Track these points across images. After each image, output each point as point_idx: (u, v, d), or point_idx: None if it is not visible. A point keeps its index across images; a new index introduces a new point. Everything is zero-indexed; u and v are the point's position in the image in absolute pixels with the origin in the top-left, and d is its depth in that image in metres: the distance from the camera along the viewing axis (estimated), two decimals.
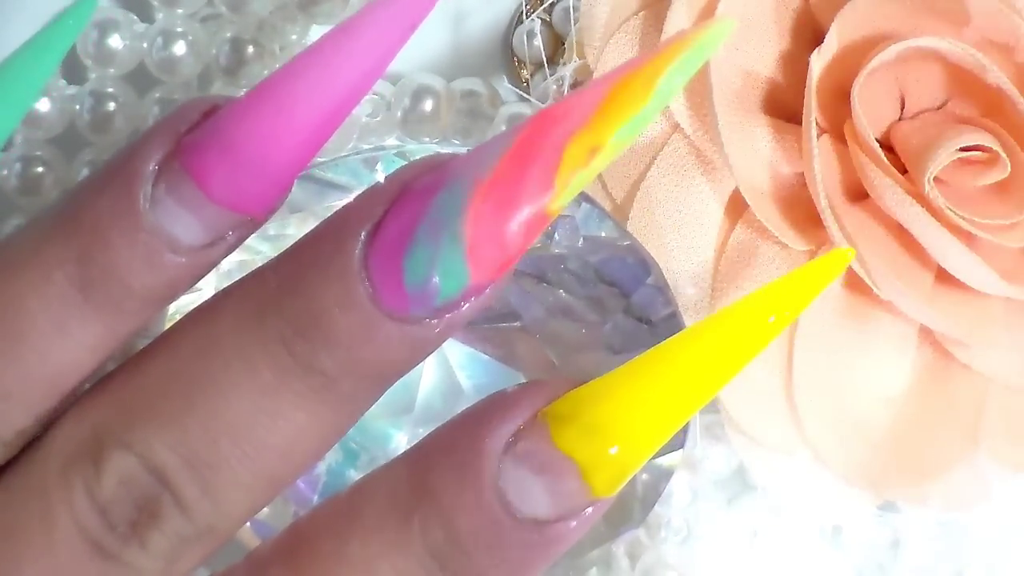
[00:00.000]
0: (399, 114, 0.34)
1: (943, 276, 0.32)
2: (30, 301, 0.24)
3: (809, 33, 0.33)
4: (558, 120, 0.23)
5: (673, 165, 0.33)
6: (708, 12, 0.32)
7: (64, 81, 0.35)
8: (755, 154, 0.32)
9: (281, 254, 0.24)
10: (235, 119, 0.24)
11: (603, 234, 0.31)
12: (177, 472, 0.23)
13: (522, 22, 0.35)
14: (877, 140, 0.32)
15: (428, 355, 0.24)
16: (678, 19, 0.33)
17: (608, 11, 0.34)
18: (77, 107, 0.34)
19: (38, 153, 0.34)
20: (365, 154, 0.30)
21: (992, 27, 0.32)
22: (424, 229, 0.23)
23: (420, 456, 0.24)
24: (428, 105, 0.34)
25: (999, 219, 0.32)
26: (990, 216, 0.32)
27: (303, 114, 0.23)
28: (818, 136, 0.32)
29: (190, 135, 0.24)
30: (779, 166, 0.32)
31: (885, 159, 0.31)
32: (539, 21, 0.34)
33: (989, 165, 0.32)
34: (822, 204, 0.31)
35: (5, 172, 0.34)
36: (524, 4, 0.35)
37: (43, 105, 0.34)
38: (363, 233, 0.23)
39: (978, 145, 0.32)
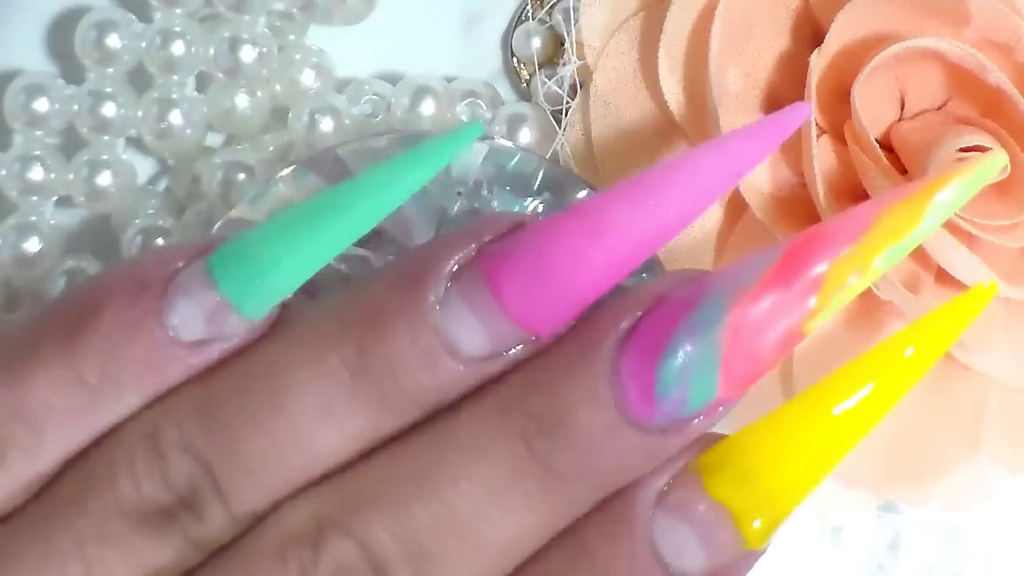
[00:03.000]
0: (399, 114, 0.34)
1: (943, 276, 0.32)
2: (300, 376, 0.24)
3: (809, 33, 0.33)
4: (825, 240, 0.23)
5: None
6: (708, 12, 0.32)
7: (63, 81, 0.35)
8: None
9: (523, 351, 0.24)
10: (544, 235, 0.24)
11: None
12: (396, 561, 0.23)
13: (522, 22, 0.35)
14: (877, 140, 0.32)
15: (652, 468, 0.24)
16: (678, 19, 0.33)
17: (608, 11, 0.34)
18: (76, 107, 0.34)
19: (37, 153, 0.34)
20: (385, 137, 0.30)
21: (992, 27, 0.32)
22: (681, 339, 0.23)
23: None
24: (428, 105, 0.34)
25: (999, 219, 0.32)
26: (990, 216, 0.31)
27: (616, 241, 0.23)
28: (818, 136, 0.32)
29: (494, 244, 0.24)
30: (779, 166, 0.32)
31: (885, 159, 0.31)
32: (539, 22, 0.34)
33: None
34: (822, 204, 0.31)
35: (4, 172, 0.34)
36: (524, 4, 0.35)
37: (42, 105, 0.34)
38: (615, 337, 0.23)
39: (978, 145, 0.32)
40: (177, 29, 0.34)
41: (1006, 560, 0.35)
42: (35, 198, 0.34)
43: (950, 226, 0.31)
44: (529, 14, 0.34)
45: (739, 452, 0.24)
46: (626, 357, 0.23)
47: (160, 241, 0.34)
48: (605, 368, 0.23)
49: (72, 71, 0.35)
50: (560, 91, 0.34)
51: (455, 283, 0.24)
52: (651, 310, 0.24)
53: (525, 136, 0.34)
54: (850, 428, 0.24)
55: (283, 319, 0.25)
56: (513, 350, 0.24)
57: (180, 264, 0.24)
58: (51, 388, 0.24)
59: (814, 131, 0.31)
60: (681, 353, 0.23)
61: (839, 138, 0.32)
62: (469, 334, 0.24)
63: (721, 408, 0.24)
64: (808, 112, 0.24)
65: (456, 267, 0.24)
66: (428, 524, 0.23)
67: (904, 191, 0.23)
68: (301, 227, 0.24)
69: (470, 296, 0.24)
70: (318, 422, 0.24)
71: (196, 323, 0.24)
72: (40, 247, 0.34)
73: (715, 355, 0.23)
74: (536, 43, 0.34)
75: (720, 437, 0.25)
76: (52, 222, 0.35)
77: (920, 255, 0.32)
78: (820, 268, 0.23)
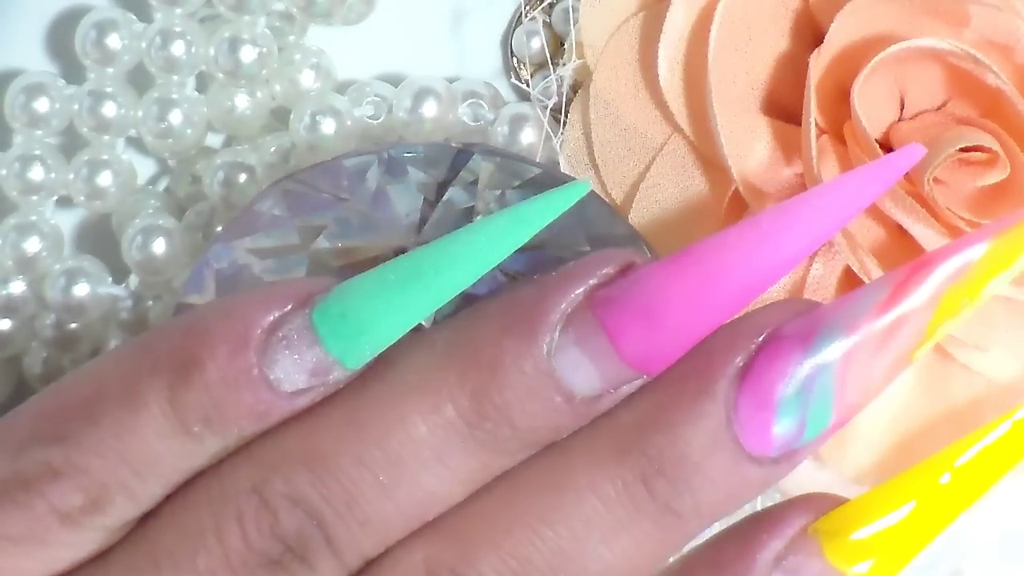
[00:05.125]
0: (400, 115, 0.34)
1: None
2: (416, 428, 0.24)
3: (809, 33, 0.33)
4: (937, 270, 0.24)
5: (673, 165, 0.33)
6: (708, 13, 0.32)
7: (63, 81, 0.35)
8: (755, 154, 0.32)
9: (632, 393, 0.24)
10: (661, 280, 0.24)
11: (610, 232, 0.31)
12: None
13: (522, 22, 0.35)
14: (877, 140, 0.32)
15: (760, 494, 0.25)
16: (678, 19, 0.33)
17: (608, 11, 0.34)
18: (76, 107, 0.34)
19: (37, 153, 0.34)
20: (352, 157, 0.30)
21: (992, 27, 0.32)
22: (800, 375, 0.24)
23: (688, 572, 0.25)
24: (430, 107, 0.34)
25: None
26: (990, 216, 0.32)
27: (733, 286, 0.24)
28: (818, 136, 0.32)
29: (607, 289, 0.24)
30: (779, 166, 0.32)
31: None
32: (539, 21, 0.34)
33: (989, 165, 0.32)
34: None
35: (4, 172, 0.34)
36: (524, 4, 0.35)
37: (42, 105, 0.34)
38: (731, 375, 0.24)
39: (978, 146, 0.32)
40: (177, 29, 0.34)
41: (1004, 560, 0.35)
42: (35, 198, 0.34)
43: (950, 227, 0.31)
44: (528, 14, 0.34)
45: (856, 520, 0.25)
46: (744, 394, 0.24)
47: (160, 241, 0.34)
48: (724, 407, 0.24)
49: (72, 71, 0.35)
50: (560, 91, 0.34)
51: (569, 327, 0.24)
52: (765, 345, 0.24)
53: (528, 136, 0.34)
54: (960, 496, 0.25)
55: (385, 358, 0.25)
56: (624, 387, 0.24)
57: (279, 313, 0.24)
58: (157, 437, 0.24)
59: (814, 131, 0.31)
60: (800, 389, 0.24)
61: (839, 138, 0.32)
62: (583, 378, 0.24)
63: (827, 439, 0.25)
64: (922, 153, 0.25)
65: (569, 310, 0.24)
66: (542, 568, 0.24)
67: (1012, 218, 0.24)
68: (406, 285, 0.24)
69: (585, 341, 0.24)
70: (434, 472, 0.24)
71: (299, 376, 0.24)
72: (40, 247, 0.34)
73: (831, 387, 0.24)
74: (536, 43, 0.34)
75: (836, 502, 0.25)
76: (52, 222, 0.35)
77: (920, 255, 0.32)
78: (931, 300, 0.24)
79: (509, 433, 0.24)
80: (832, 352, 0.24)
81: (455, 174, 0.29)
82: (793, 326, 0.24)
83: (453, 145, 0.30)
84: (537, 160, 0.33)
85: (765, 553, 0.25)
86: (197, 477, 0.24)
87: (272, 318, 0.24)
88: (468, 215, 0.29)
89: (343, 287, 0.24)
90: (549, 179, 0.30)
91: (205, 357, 0.24)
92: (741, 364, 0.24)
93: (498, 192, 0.29)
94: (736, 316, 0.25)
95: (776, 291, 0.32)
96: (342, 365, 0.24)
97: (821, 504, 0.25)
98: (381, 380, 0.24)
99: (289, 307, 0.24)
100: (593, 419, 0.25)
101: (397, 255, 0.29)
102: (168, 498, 0.25)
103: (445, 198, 0.29)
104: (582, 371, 0.24)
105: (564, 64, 0.34)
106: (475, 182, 0.29)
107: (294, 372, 0.24)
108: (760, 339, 0.24)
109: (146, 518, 0.25)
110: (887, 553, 0.25)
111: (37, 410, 0.25)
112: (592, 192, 0.30)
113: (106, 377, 0.24)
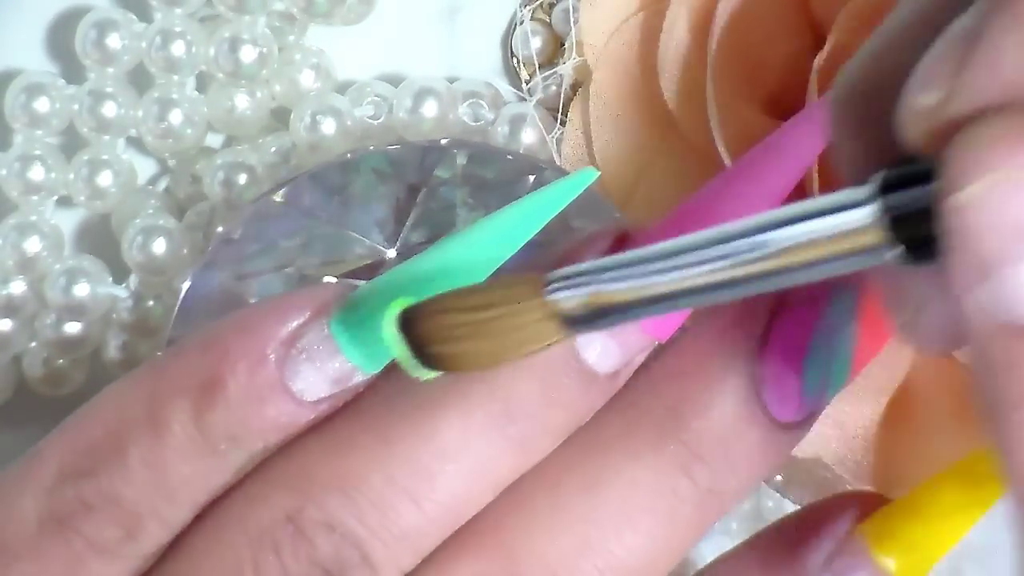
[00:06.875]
0: (401, 115, 0.34)
1: None
2: (450, 441, 0.24)
3: (809, 33, 0.33)
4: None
5: (673, 165, 0.33)
6: (708, 12, 0.32)
7: (63, 81, 0.35)
8: None
9: (641, 379, 0.24)
10: (657, 240, 0.24)
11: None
12: None
13: (522, 22, 0.35)
14: None
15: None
16: (678, 19, 0.33)
17: (608, 11, 0.34)
18: (76, 107, 0.34)
19: (37, 153, 0.34)
20: (317, 169, 0.30)
21: None
22: (822, 338, 0.24)
23: (737, 572, 0.25)
24: (430, 107, 0.34)
25: None
26: None
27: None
28: None
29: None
30: None
31: None
32: (539, 21, 0.34)
33: None
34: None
35: (5, 172, 0.34)
36: (523, 4, 0.35)
37: (42, 105, 0.34)
38: (752, 348, 0.24)
39: None
40: (177, 29, 0.34)
41: (1003, 560, 0.35)
42: (35, 198, 0.34)
43: None
44: (528, 14, 0.34)
45: (903, 520, 0.25)
46: (769, 365, 0.24)
47: (161, 241, 0.34)
48: (751, 382, 0.24)
49: (72, 71, 0.35)
50: (560, 91, 0.34)
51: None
52: (780, 311, 0.24)
53: (527, 136, 0.34)
54: (990, 491, 0.25)
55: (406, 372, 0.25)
56: (638, 357, 0.24)
57: (297, 323, 0.24)
58: (184, 461, 0.24)
59: None
60: (824, 351, 0.24)
61: None
62: (604, 355, 0.24)
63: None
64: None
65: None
66: (588, 572, 0.24)
67: None
68: (422, 287, 0.24)
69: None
70: (466, 479, 0.24)
71: (322, 385, 0.24)
72: (40, 247, 0.34)
73: (851, 346, 0.24)
74: (536, 43, 0.34)
75: (881, 501, 0.26)
76: (52, 222, 0.35)
77: None
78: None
79: (539, 429, 0.24)
80: (849, 311, 0.24)
81: (428, 173, 0.29)
82: (805, 289, 0.24)
83: (419, 144, 0.30)
84: (536, 161, 0.33)
85: (816, 555, 0.25)
86: (225, 499, 0.24)
87: (290, 329, 0.24)
88: (448, 211, 0.29)
89: (359, 293, 0.24)
90: (527, 165, 0.29)
91: (226, 375, 0.24)
92: (760, 333, 0.24)
93: (475, 184, 0.29)
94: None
95: None
96: (363, 370, 0.24)
97: (866, 503, 0.26)
98: (405, 394, 0.24)
99: (306, 316, 0.24)
100: (624, 410, 0.24)
101: (382, 261, 0.29)
102: (199, 520, 0.24)
103: (421, 197, 0.29)
104: (601, 349, 0.24)
105: (564, 64, 0.34)
106: (451, 178, 0.29)
107: (316, 382, 0.24)
108: (772, 306, 0.24)
109: (178, 544, 0.24)
110: (924, 548, 0.25)
111: (61, 445, 0.24)
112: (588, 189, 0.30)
113: (127, 405, 0.24)
